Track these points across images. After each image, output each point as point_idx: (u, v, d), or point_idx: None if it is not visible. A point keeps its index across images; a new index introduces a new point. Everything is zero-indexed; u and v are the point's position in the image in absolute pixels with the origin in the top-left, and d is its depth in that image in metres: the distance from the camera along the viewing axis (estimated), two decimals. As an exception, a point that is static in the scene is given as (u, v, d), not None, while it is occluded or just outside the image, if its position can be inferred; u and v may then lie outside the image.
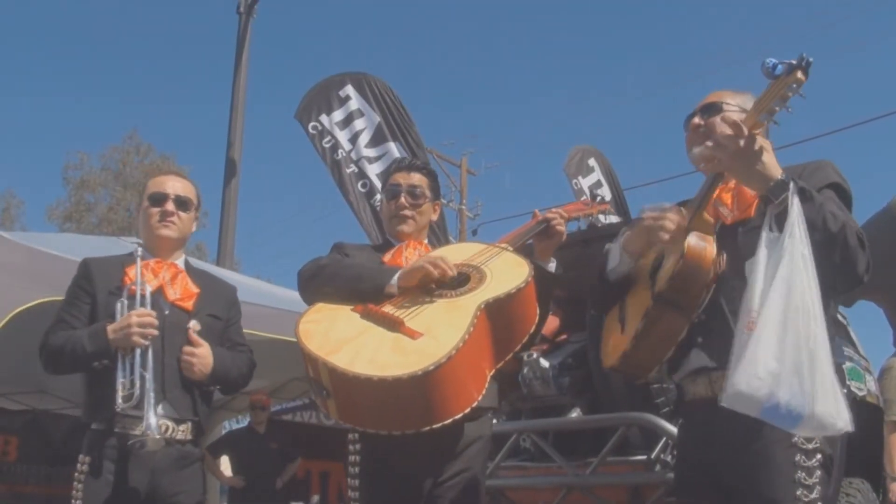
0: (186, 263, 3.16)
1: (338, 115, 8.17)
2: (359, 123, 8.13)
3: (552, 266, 2.83)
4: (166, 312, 2.95)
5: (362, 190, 7.89)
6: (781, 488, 2.14)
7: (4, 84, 37.20)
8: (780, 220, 2.08)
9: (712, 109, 2.43)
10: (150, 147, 25.42)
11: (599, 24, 56.90)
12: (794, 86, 2.03)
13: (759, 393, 1.93)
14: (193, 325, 2.95)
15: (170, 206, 3.04)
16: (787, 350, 1.95)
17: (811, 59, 2.01)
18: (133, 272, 2.97)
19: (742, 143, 2.11)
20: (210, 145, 50.42)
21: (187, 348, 2.90)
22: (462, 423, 2.53)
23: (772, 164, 2.14)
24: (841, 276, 2.15)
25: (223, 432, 8.53)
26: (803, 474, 2.14)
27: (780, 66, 2.03)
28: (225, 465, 7.52)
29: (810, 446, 2.15)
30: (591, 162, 10.32)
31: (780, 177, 2.12)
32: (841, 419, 1.95)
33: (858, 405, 4.40)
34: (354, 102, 8.20)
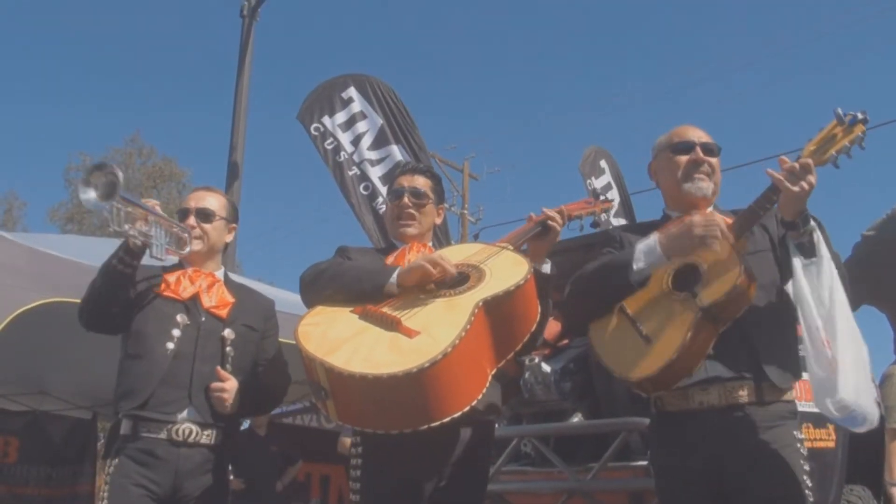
0: (225, 276, 3.26)
1: (340, 116, 8.14)
2: (361, 126, 8.10)
3: (546, 267, 2.82)
4: (202, 319, 3.05)
5: (364, 193, 7.85)
6: (793, 488, 2.34)
7: (7, 86, 37.26)
8: (802, 247, 2.36)
9: (712, 149, 2.68)
10: (153, 149, 25.52)
11: (603, 29, 57.03)
12: (860, 135, 2.32)
13: (850, 400, 2.22)
14: (220, 372, 2.99)
15: (191, 220, 3.13)
16: (858, 363, 2.26)
17: (868, 118, 2.33)
18: (171, 278, 3.08)
19: (809, 184, 2.33)
20: (213, 148, 50.63)
21: (216, 384, 2.96)
22: (464, 426, 2.52)
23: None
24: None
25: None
26: (807, 478, 2.35)
27: (848, 117, 2.32)
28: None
29: (807, 453, 2.40)
30: (602, 164, 10.27)
31: (806, 212, 2.37)
32: (873, 422, 2.28)
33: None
34: (357, 105, 8.16)
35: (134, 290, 3.01)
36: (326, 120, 8.12)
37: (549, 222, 2.78)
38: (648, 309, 2.49)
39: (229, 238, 3.29)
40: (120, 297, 2.95)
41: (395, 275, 2.54)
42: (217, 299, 3.11)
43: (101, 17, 43.34)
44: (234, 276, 3.45)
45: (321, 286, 2.62)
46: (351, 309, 2.49)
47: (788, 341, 2.54)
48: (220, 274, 3.22)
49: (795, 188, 2.31)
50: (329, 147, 8.05)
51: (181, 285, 3.07)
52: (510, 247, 2.71)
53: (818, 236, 2.33)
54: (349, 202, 7.89)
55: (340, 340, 2.34)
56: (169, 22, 44.19)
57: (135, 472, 2.85)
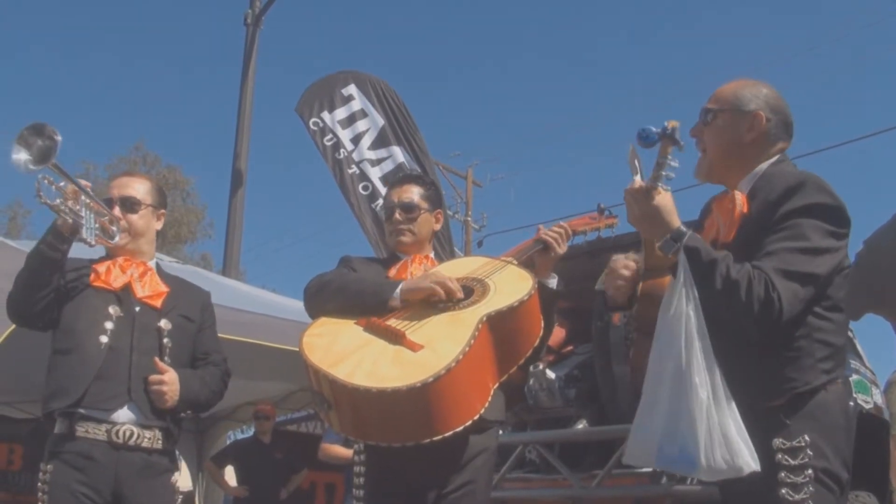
0: (157, 266, 3.10)
1: (340, 113, 7.98)
2: (362, 124, 7.95)
3: (552, 282, 2.81)
4: (136, 310, 2.89)
5: (364, 192, 7.71)
6: None
7: (9, 94, 37.41)
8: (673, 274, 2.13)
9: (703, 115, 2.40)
10: (157, 158, 25.46)
11: (606, 36, 57.06)
12: (670, 155, 2.13)
13: (649, 455, 2.08)
14: (159, 363, 2.84)
15: (116, 211, 2.95)
16: (669, 411, 2.04)
17: (672, 126, 2.08)
18: (101, 268, 2.92)
19: (638, 209, 2.19)
20: (217, 156, 50.54)
21: (155, 377, 2.81)
22: (467, 434, 2.53)
23: (666, 221, 2.17)
24: (740, 325, 2.12)
25: (227, 442, 8.51)
26: (788, 490, 2.07)
27: (653, 135, 2.12)
28: (230, 475, 7.51)
29: (795, 462, 2.08)
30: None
31: (669, 235, 2.15)
32: (734, 469, 1.99)
33: (864, 418, 4.40)
34: (357, 102, 8.01)
35: (63, 281, 2.83)
36: (326, 115, 7.97)
37: (552, 244, 2.76)
38: None
39: (159, 225, 3.08)
40: (47, 284, 2.75)
41: (398, 290, 2.54)
42: (150, 288, 2.94)
43: (102, 23, 43.48)
44: (165, 266, 3.27)
45: (325, 298, 2.62)
46: (356, 321, 2.49)
47: (770, 351, 2.17)
48: (152, 263, 3.05)
49: (630, 218, 2.23)
50: (328, 143, 7.90)
51: (112, 275, 2.90)
52: (514, 261, 2.71)
53: (681, 266, 2.08)
54: (348, 201, 7.76)
55: (345, 353, 2.35)
56: (172, 29, 44.34)
57: (73, 480, 2.68)
